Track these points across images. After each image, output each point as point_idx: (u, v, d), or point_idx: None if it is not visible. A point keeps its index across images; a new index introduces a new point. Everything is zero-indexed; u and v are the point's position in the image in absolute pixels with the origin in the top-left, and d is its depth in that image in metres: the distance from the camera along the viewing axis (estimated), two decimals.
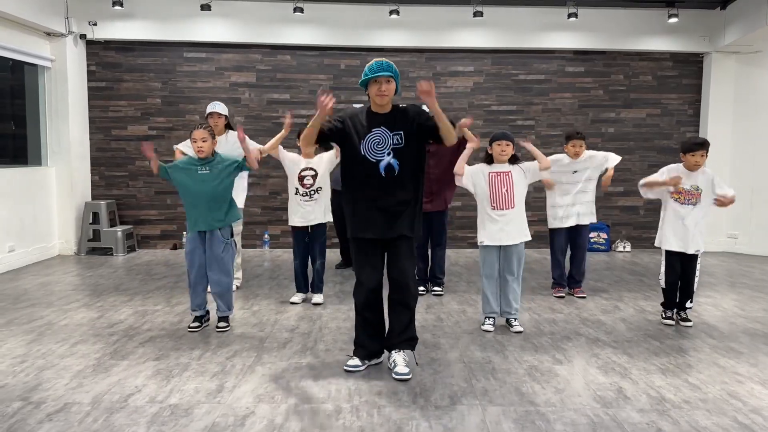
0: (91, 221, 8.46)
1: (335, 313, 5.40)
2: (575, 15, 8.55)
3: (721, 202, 4.94)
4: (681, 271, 5.09)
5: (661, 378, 3.91)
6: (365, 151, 3.80)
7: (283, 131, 5.35)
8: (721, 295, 6.32)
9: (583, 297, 6.06)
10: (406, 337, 3.96)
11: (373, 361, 4.06)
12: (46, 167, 8.24)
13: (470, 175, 4.91)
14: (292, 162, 5.62)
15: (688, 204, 5.02)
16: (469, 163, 5.01)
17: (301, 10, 8.35)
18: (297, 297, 5.77)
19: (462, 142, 5.01)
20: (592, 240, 9.16)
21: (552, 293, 6.18)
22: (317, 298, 5.72)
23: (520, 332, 4.84)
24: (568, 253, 6.20)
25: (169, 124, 8.88)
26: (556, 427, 3.20)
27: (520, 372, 3.99)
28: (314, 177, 5.54)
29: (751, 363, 4.21)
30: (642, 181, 5.26)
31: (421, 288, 6.05)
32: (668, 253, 5.13)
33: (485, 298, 4.94)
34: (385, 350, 4.07)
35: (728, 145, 9.10)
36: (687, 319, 5.14)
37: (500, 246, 4.85)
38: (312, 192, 5.55)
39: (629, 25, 8.94)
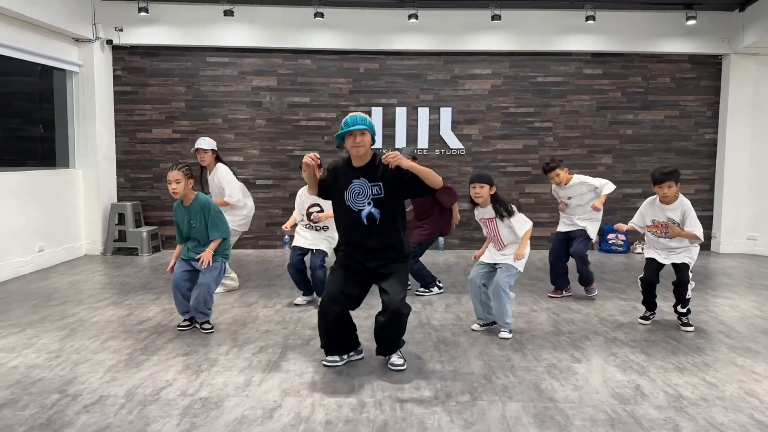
0: (116, 222, 8.68)
1: (356, 312, 5.49)
2: (593, 18, 8.60)
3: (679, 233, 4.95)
4: (675, 276, 5.11)
5: (678, 376, 3.97)
6: (348, 201, 3.98)
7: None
8: (739, 296, 6.34)
9: (592, 296, 6.14)
10: (395, 349, 4.12)
11: (353, 357, 4.22)
12: (73, 169, 8.46)
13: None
14: (300, 201, 5.81)
15: (665, 237, 5.07)
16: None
17: (322, 15, 8.50)
18: (301, 299, 5.87)
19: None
20: (610, 241, 9.20)
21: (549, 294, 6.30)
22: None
23: (506, 339, 4.82)
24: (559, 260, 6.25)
25: (193, 128, 9.07)
26: (575, 422, 3.28)
27: (539, 369, 4.08)
28: (320, 212, 5.66)
29: None
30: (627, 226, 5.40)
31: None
32: (648, 259, 5.22)
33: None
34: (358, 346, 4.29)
35: (747, 147, 9.08)
36: (687, 324, 5.11)
37: (491, 264, 4.92)
38: (318, 228, 5.71)
39: (647, 28, 8.97)
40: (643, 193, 9.30)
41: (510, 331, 4.84)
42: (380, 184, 3.92)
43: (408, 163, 3.80)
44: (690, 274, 5.03)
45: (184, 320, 4.99)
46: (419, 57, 9.14)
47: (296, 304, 5.81)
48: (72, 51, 8.30)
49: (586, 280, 6.14)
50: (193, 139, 8.95)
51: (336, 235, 5.66)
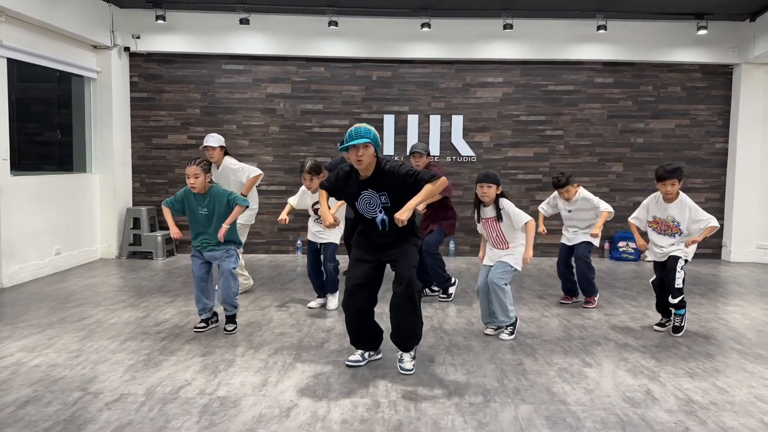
0: (132, 226, 8.80)
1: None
2: (604, 27, 8.68)
3: (693, 241, 4.98)
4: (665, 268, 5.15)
5: (689, 381, 4.01)
6: (361, 210, 4.12)
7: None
8: (750, 304, 6.36)
9: (590, 307, 6.11)
10: (411, 334, 4.15)
11: (373, 357, 4.33)
12: (90, 174, 8.60)
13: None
14: (306, 203, 5.93)
15: (665, 234, 5.13)
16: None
17: (336, 24, 8.62)
18: (315, 302, 5.94)
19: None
20: (620, 249, 9.23)
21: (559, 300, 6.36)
22: (331, 303, 5.85)
23: (506, 340, 4.91)
24: (567, 267, 6.28)
25: None
26: (587, 424, 3.34)
27: (551, 373, 4.13)
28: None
29: None
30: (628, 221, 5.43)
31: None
32: (653, 263, 5.34)
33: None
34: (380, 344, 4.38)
35: (758, 156, 9.10)
36: (678, 328, 5.12)
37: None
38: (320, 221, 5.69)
39: (658, 37, 9.03)
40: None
41: (511, 333, 4.92)
42: (386, 193, 4.02)
43: (415, 206, 3.91)
44: (681, 263, 5.02)
45: (201, 321, 5.08)
46: (431, 65, 9.24)
47: (309, 308, 5.89)
48: (90, 58, 8.45)
49: (588, 289, 6.12)
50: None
51: (342, 225, 5.86)
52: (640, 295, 6.72)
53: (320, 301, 5.95)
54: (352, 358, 4.27)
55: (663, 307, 5.29)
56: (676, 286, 5.02)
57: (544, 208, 6.33)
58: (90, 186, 8.52)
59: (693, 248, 5.15)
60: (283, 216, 5.77)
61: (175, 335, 4.91)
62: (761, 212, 9.12)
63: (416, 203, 3.91)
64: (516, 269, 4.92)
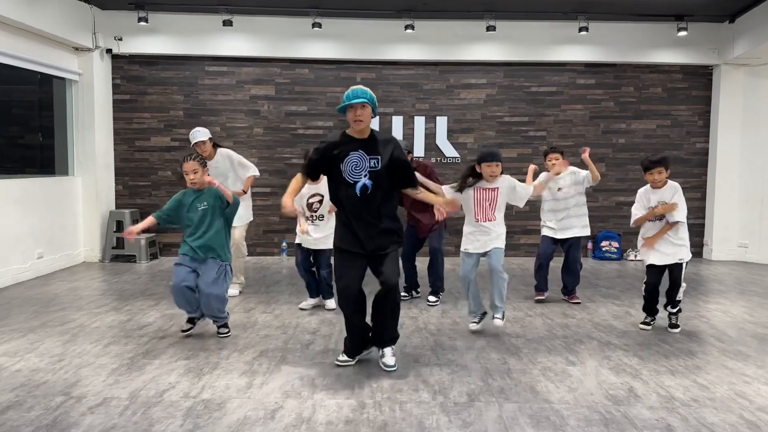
0: (115, 229, 8.73)
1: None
2: (586, 29, 8.76)
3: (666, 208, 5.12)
4: (669, 278, 5.21)
5: (670, 378, 4.06)
6: (345, 173, 4.05)
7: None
8: (730, 302, 6.45)
9: (578, 302, 6.23)
10: (392, 336, 4.26)
11: (363, 354, 4.38)
12: (72, 177, 8.52)
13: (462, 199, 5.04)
14: (302, 193, 5.59)
15: (658, 220, 5.20)
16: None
17: (319, 26, 8.62)
18: (307, 303, 5.93)
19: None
20: (603, 249, 9.31)
21: (533, 296, 6.38)
22: (330, 303, 5.86)
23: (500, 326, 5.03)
24: (549, 263, 6.30)
25: None
26: (570, 422, 3.37)
27: (535, 372, 4.17)
28: (321, 202, 5.63)
29: (759, 365, 4.35)
30: (632, 223, 5.37)
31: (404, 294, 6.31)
32: (649, 266, 5.31)
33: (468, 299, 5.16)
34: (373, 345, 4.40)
35: (738, 156, 9.24)
36: (674, 325, 5.26)
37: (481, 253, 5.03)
38: (315, 218, 5.63)
39: (639, 39, 9.13)
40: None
41: (503, 317, 5.01)
42: (378, 157, 4.03)
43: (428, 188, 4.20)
44: (682, 275, 5.15)
45: (187, 322, 5.00)
46: (415, 67, 9.27)
47: (302, 309, 5.88)
48: (72, 60, 8.38)
49: (574, 287, 6.24)
50: (190, 147, 9.03)
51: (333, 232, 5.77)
52: (623, 293, 6.78)
53: (312, 301, 5.93)
54: (342, 357, 4.30)
55: (651, 308, 5.36)
56: (678, 298, 5.17)
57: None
58: (72, 189, 8.44)
59: (687, 250, 5.18)
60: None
61: (159, 338, 4.88)
62: (741, 211, 9.25)
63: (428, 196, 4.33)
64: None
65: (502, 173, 5.00)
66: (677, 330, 5.22)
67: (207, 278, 4.78)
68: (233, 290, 6.39)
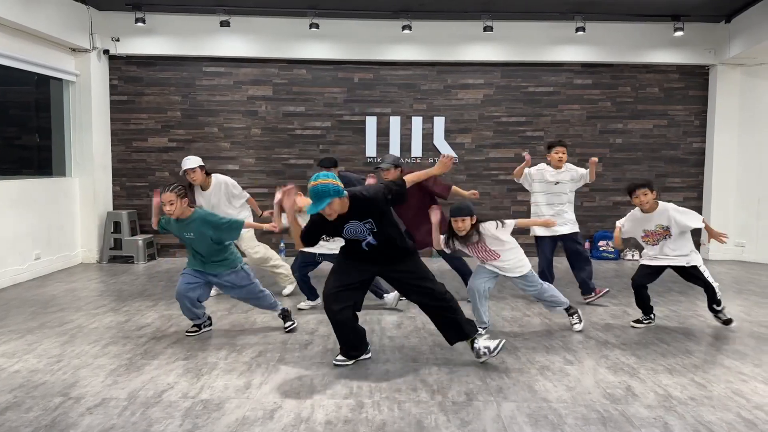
0: (112, 230, 8.72)
1: (373, 317, 5.59)
2: (583, 29, 8.78)
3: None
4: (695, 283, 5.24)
5: (668, 377, 4.08)
6: (348, 237, 4.15)
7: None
8: (727, 301, 6.43)
9: (606, 291, 6.33)
10: (467, 331, 4.27)
11: (362, 357, 4.38)
12: (69, 178, 8.52)
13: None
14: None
15: (659, 243, 5.21)
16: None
17: (317, 26, 8.62)
18: (305, 303, 5.96)
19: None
20: (601, 249, 9.33)
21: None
22: None
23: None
24: (553, 264, 6.38)
25: (189, 137, 9.16)
26: (568, 420, 3.38)
27: (533, 371, 4.18)
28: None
29: (756, 364, 4.37)
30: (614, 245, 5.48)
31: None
32: (641, 265, 5.39)
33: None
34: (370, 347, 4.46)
35: (734, 156, 9.26)
36: (727, 321, 5.32)
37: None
38: (329, 239, 5.61)
39: (636, 39, 9.16)
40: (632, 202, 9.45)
41: (579, 319, 5.24)
42: (371, 220, 4.04)
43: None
44: (706, 273, 5.18)
45: (193, 326, 5.05)
46: (413, 67, 9.28)
47: (299, 309, 5.89)
48: (69, 61, 8.38)
49: (590, 278, 6.26)
50: (188, 147, 9.06)
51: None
52: (620, 293, 6.80)
53: (311, 302, 5.95)
54: (339, 357, 4.31)
55: (643, 305, 5.37)
56: (718, 296, 5.19)
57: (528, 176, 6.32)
58: (70, 190, 8.43)
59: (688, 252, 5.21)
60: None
61: (157, 339, 4.88)
62: (738, 210, 9.27)
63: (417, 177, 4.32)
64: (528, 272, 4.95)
65: (477, 222, 4.74)
66: (732, 324, 5.29)
67: (239, 293, 4.98)
68: (289, 288, 6.61)
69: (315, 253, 5.73)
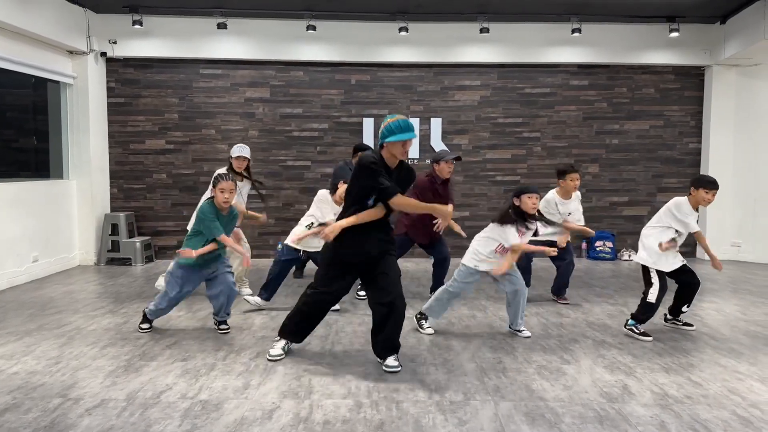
0: (110, 232, 8.73)
1: (350, 318, 5.63)
2: (579, 30, 8.82)
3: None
4: (686, 280, 5.21)
5: (664, 376, 4.10)
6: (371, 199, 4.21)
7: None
8: (724, 300, 6.50)
9: (567, 303, 6.32)
10: (394, 346, 4.25)
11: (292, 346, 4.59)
12: (67, 180, 8.52)
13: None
14: (330, 205, 5.68)
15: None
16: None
17: (314, 28, 8.65)
18: (253, 299, 5.96)
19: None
20: (597, 249, 9.36)
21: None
22: None
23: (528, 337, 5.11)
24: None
25: (186, 139, 9.17)
26: (565, 419, 3.40)
27: (530, 371, 4.20)
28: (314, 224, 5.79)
29: (751, 362, 4.40)
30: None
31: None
32: (664, 274, 5.10)
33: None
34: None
35: (730, 156, 9.31)
36: (688, 323, 5.36)
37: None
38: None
39: (631, 40, 9.20)
40: (629, 202, 9.50)
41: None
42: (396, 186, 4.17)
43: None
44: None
45: (143, 322, 5.23)
46: (410, 69, 9.30)
47: (244, 299, 5.99)
48: (66, 63, 8.39)
49: (562, 289, 6.33)
50: (186, 150, 9.08)
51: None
52: (617, 293, 6.83)
53: (260, 302, 5.97)
54: (274, 352, 4.42)
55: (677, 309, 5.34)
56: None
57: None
58: (67, 192, 8.44)
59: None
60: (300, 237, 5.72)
61: (156, 341, 4.89)
62: (734, 210, 9.31)
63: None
64: None
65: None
66: (693, 328, 5.31)
67: (229, 279, 5.08)
68: (247, 289, 6.58)
69: (299, 249, 5.78)
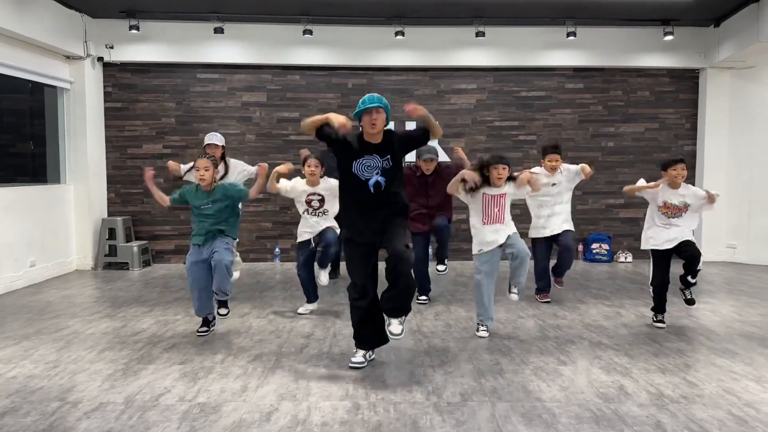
0: (107, 237, 8.73)
1: (348, 321, 5.60)
2: (574, 34, 8.87)
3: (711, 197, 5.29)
4: (685, 252, 5.29)
5: (660, 376, 4.13)
6: (356, 171, 4.16)
7: (259, 180, 5.43)
8: (719, 301, 6.53)
9: (560, 285, 6.54)
10: (400, 307, 4.17)
11: (371, 357, 4.45)
12: (64, 185, 8.52)
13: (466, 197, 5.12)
14: (297, 192, 5.77)
15: (675, 217, 5.32)
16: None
17: (310, 32, 8.68)
18: (305, 308, 5.94)
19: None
20: (594, 251, 9.39)
21: (538, 299, 6.47)
22: (323, 276, 5.75)
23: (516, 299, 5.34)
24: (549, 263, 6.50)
25: (183, 143, 9.18)
26: (562, 420, 3.42)
27: (527, 372, 4.22)
28: (320, 201, 5.72)
29: (746, 362, 4.43)
30: (625, 189, 5.65)
31: (423, 297, 6.40)
32: (656, 253, 5.41)
33: (480, 304, 5.16)
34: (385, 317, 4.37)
35: (725, 158, 9.36)
36: (691, 301, 5.51)
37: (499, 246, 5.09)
38: (320, 213, 5.74)
39: (626, 43, 9.25)
40: (625, 204, 9.53)
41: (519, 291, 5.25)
42: (388, 156, 4.15)
43: (424, 114, 4.12)
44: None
45: (202, 326, 5.20)
46: (406, 72, 9.34)
47: (299, 314, 5.89)
48: (63, 68, 8.40)
49: (564, 271, 6.39)
50: (183, 154, 9.07)
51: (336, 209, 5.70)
52: (613, 294, 6.86)
53: (311, 306, 5.95)
54: (355, 360, 4.33)
55: (662, 305, 5.45)
56: (698, 268, 5.35)
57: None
58: (64, 197, 8.44)
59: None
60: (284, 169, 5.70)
61: (153, 344, 4.90)
62: (729, 212, 9.35)
63: (428, 116, 4.14)
64: None
65: (512, 177, 5.11)
66: (694, 306, 5.50)
67: (218, 247, 4.95)
68: (236, 274, 6.53)
69: (310, 240, 5.73)
